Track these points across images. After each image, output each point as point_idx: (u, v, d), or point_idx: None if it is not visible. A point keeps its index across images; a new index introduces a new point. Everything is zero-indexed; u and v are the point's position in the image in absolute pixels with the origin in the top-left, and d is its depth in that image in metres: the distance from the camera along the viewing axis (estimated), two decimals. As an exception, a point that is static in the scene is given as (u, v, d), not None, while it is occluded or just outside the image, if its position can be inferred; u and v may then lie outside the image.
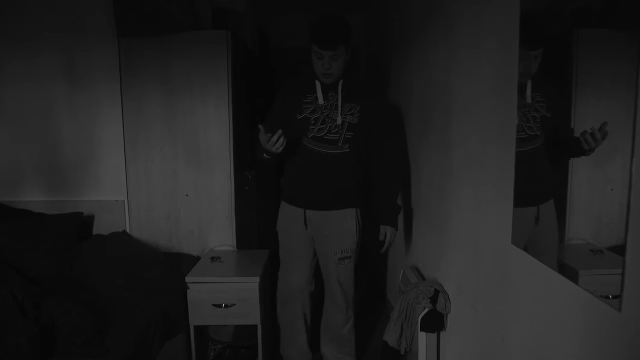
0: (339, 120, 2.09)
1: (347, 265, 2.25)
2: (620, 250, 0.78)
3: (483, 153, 1.41)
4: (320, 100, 2.12)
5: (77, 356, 1.75)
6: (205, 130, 2.69)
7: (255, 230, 3.09)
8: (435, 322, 1.74)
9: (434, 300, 1.73)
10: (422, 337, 1.75)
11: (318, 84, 2.13)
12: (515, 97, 1.15)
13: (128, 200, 2.76)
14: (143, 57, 2.65)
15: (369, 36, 4.15)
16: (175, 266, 2.49)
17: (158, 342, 2.08)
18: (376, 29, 3.70)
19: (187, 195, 2.73)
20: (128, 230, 2.76)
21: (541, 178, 1.15)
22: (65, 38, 2.66)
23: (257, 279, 2.27)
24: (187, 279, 2.31)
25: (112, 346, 1.84)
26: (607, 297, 0.83)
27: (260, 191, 3.15)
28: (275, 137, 1.93)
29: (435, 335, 1.79)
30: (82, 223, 2.63)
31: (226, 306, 2.30)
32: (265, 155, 2.07)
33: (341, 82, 2.12)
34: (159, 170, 2.73)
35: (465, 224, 1.59)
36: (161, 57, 2.64)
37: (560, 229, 1.03)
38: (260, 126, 2.00)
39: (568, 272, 0.97)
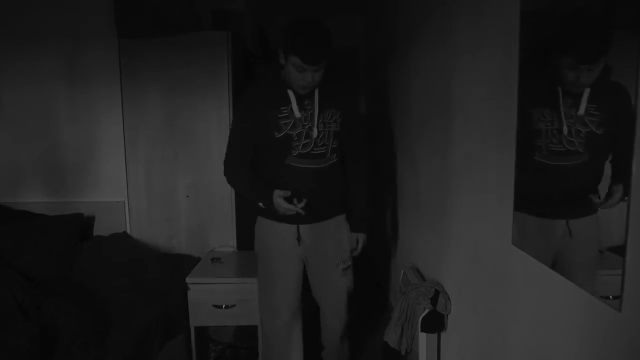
0: (315, 133, 1.86)
1: (350, 274, 2.12)
2: (620, 250, 0.78)
3: (483, 154, 1.41)
4: (297, 113, 1.85)
5: (77, 357, 1.75)
6: (205, 131, 2.69)
7: (256, 231, 3.09)
8: (435, 323, 1.74)
9: (434, 300, 1.73)
10: (423, 337, 1.75)
11: (291, 94, 1.85)
12: (515, 100, 1.15)
13: (128, 201, 2.77)
14: (143, 58, 2.65)
15: (369, 37, 4.15)
16: (176, 267, 2.49)
17: (158, 342, 2.08)
18: (376, 31, 3.71)
19: (188, 196, 2.73)
20: (128, 231, 2.76)
21: (575, 195, 1.04)
22: (65, 39, 2.66)
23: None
24: (187, 280, 2.31)
25: (112, 347, 1.84)
26: (607, 298, 0.83)
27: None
28: (300, 205, 1.81)
29: (435, 335, 1.79)
30: (82, 224, 2.63)
31: (226, 307, 2.31)
32: (261, 204, 1.91)
33: (317, 89, 1.87)
34: (159, 171, 2.73)
35: (465, 225, 1.59)
36: (161, 58, 2.64)
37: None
38: (278, 191, 1.83)
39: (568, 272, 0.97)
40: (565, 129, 0.99)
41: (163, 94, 2.67)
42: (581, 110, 0.95)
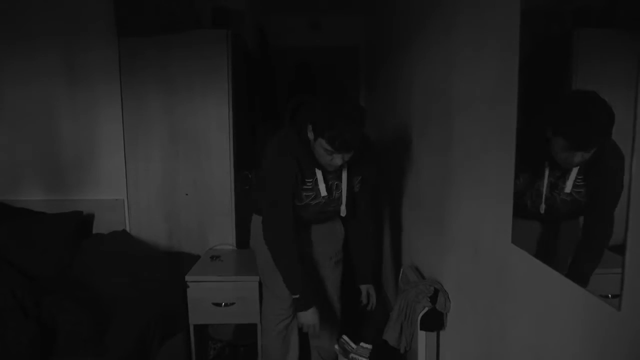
0: (343, 212, 1.92)
1: (340, 268, 2.21)
2: (619, 249, 0.78)
3: (483, 153, 1.41)
4: (322, 192, 1.83)
5: (77, 354, 1.75)
6: (205, 129, 2.69)
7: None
8: (434, 321, 1.74)
9: (433, 299, 1.73)
10: (422, 336, 1.75)
11: (319, 173, 1.80)
12: (515, 100, 1.15)
13: (128, 199, 2.77)
14: (143, 57, 2.65)
15: (369, 36, 4.15)
16: (175, 265, 2.49)
17: (158, 340, 2.09)
18: (376, 29, 3.70)
19: (187, 194, 2.74)
20: (128, 229, 2.77)
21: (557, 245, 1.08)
22: (65, 38, 2.66)
23: (257, 278, 2.28)
24: (187, 278, 2.31)
25: (111, 344, 1.84)
26: (607, 296, 0.83)
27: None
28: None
29: (434, 334, 1.79)
30: (81, 222, 2.64)
31: (226, 305, 2.31)
32: (294, 295, 1.86)
33: (345, 169, 1.84)
34: (158, 169, 2.73)
35: (465, 223, 1.60)
36: (161, 57, 2.64)
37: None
38: (315, 311, 1.86)
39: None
40: (542, 207, 1.02)
41: (163, 92, 2.67)
42: (567, 188, 0.96)
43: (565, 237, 1.06)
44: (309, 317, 1.85)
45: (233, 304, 2.31)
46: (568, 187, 0.96)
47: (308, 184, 1.82)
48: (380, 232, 3.18)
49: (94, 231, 2.74)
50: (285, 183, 1.78)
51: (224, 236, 2.76)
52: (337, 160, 1.68)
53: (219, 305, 2.31)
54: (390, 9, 2.96)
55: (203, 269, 2.44)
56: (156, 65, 2.65)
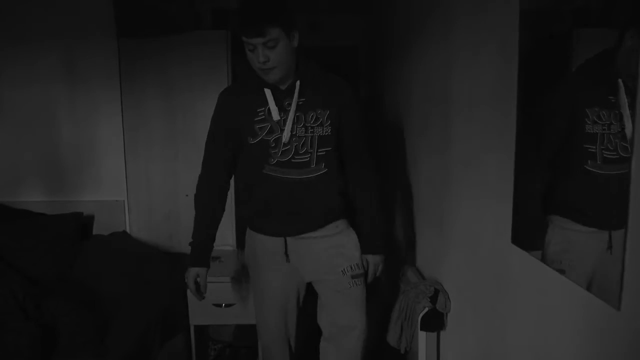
0: (285, 137, 1.60)
1: (362, 285, 1.78)
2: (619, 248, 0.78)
3: (483, 153, 1.41)
4: (275, 115, 1.60)
5: (78, 356, 1.76)
6: (204, 130, 2.66)
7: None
8: (435, 321, 1.74)
9: (433, 299, 1.73)
10: (422, 336, 1.75)
11: (269, 93, 1.60)
12: (515, 99, 1.15)
13: (128, 200, 2.77)
14: (143, 58, 2.65)
15: (368, 37, 4.15)
16: (175, 266, 2.49)
17: (158, 341, 2.09)
18: (375, 30, 3.71)
19: (187, 195, 2.73)
20: (128, 230, 2.76)
21: (614, 204, 0.85)
22: (65, 39, 2.66)
23: (257, 279, 2.28)
24: (187, 279, 2.31)
25: (112, 346, 1.84)
26: (607, 296, 0.83)
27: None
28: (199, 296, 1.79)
29: (435, 334, 1.79)
30: (82, 223, 2.63)
31: (226, 305, 2.31)
32: (190, 243, 1.80)
33: (298, 82, 1.61)
34: (158, 170, 2.73)
35: (465, 223, 1.60)
36: (161, 58, 2.64)
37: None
38: (198, 270, 1.77)
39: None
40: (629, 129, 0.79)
41: (162, 93, 2.67)
42: None
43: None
44: (189, 275, 1.76)
45: (233, 304, 2.31)
46: None
47: (260, 114, 1.62)
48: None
49: (94, 232, 2.74)
50: (217, 132, 1.75)
51: (224, 237, 2.76)
52: (259, 55, 1.49)
53: (219, 306, 2.31)
54: (390, 9, 2.96)
55: (203, 269, 2.43)
56: (156, 66, 2.65)
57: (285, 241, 1.74)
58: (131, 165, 2.73)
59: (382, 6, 3.30)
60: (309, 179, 1.66)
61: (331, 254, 1.75)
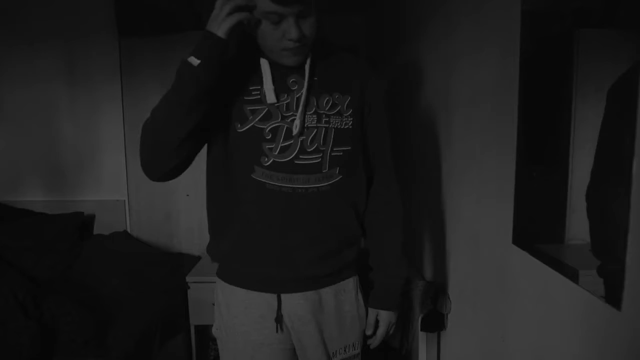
0: (296, 128, 1.10)
1: None
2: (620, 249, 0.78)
3: (484, 153, 1.41)
4: (270, 96, 1.10)
5: (78, 355, 1.76)
6: (205, 130, 2.69)
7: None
8: (435, 322, 1.74)
9: (434, 299, 1.73)
10: (422, 336, 1.75)
11: (266, 65, 1.10)
12: (516, 99, 1.15)
13: (128, 200, 2.77)
14: (144, 57, 2.65)
15: (370, 37, 4.15)
16: (176, 265, 2.49)
17: (159, 341, 2.09)
18: (376, 30, 3.71)
19: (188, 195, 2.74)
20: (128, 230, 2.77)
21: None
22: (65, 38, 2.67)
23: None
24: (188, 279, 2.31)
25: (112, 345, 1.84)
26: (606, 296, 0.83)
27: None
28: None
29: (435, 334, 1.79)
30: (82, 223, 2.64)
31: (226, 305, 2.31)
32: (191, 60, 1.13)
33: (309, 59, 1.12)
34: (159, 169, 2.73)
35: (465, 223, 1.60)
36: (162, 57, 2.64)
37: (560, 228, 1.03)
38: None
39: (568, 271, 0.97)
40: None
41: (163, 92, 2.66)
42: None
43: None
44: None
45: (234, 304, 2.31)
46: None
47: (254, 93, 1.11)
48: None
49: (95, 232, 2.74)
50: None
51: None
52: (292, 29, 1.01)
53: (219, 305, 2.30)
54: (391, 9, 2.96)
55: (204, 269, 2.44)
56: (157, 65, 2.65)
57: (279, 299, 1.19)
58: (132, 165, 2.73)
59: (383, 6, 3.31)
60: (319, 191, 1.14)
61: (330, 331, 1.25)
